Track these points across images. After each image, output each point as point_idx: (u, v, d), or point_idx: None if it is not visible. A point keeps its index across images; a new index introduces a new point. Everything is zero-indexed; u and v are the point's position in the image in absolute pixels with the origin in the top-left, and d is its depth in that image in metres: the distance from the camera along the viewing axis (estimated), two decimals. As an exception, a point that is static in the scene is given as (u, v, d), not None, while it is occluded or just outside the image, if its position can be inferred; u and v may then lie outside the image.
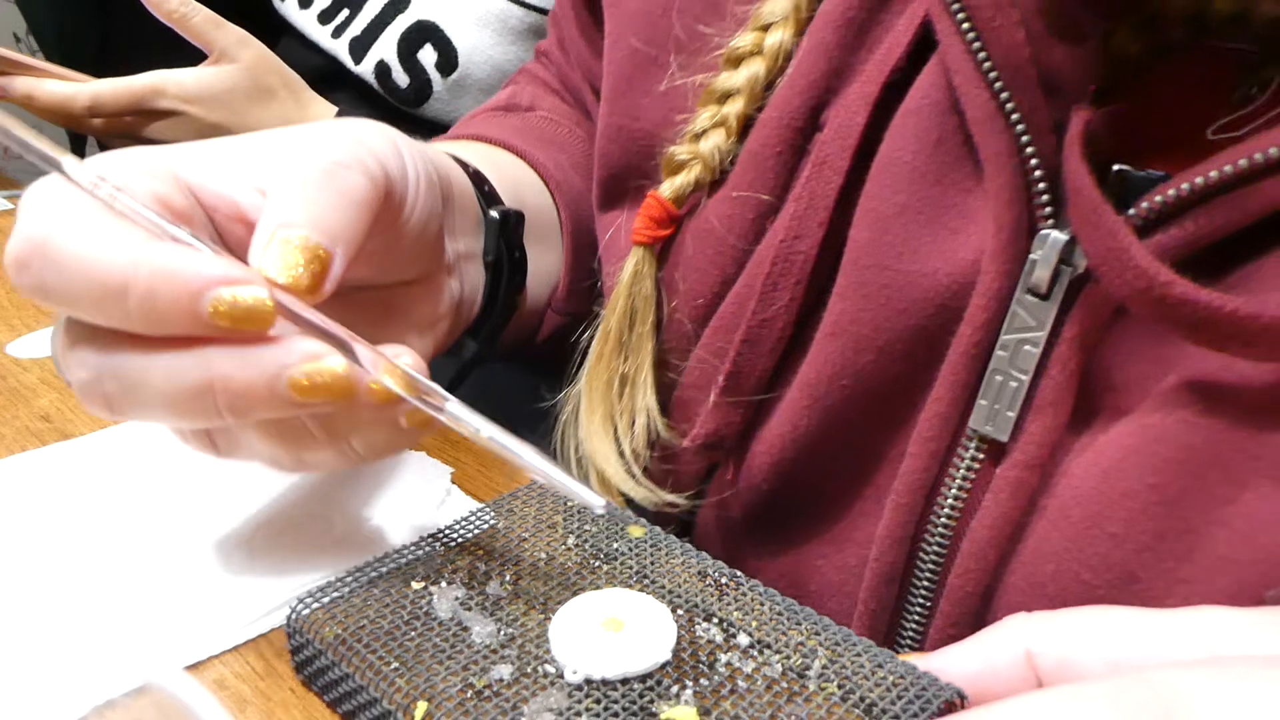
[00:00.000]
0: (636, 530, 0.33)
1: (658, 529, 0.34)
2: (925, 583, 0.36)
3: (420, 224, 0.36)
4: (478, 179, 0.45)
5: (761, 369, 0.39)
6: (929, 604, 0.36)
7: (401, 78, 0.84)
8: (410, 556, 0.33)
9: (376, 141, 0.34)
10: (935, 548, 0.36)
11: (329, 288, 0.30)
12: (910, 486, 0.35)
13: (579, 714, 0.26)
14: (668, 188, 0.42)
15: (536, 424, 0.46)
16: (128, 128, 0.79)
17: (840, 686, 0.27)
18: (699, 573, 0.32)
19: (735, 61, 0.41)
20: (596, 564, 0.32)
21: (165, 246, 0.27)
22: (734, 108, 0.41)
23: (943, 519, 0.35)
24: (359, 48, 0.85)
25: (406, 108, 0.85)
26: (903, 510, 0.36)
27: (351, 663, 0.28)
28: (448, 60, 0.83)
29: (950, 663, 0.26)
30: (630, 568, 0.32)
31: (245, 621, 0.33)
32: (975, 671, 0.26)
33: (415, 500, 0.40)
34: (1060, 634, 0.25)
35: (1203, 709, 0.19)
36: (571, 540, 0.33)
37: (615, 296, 0.44)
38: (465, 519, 0.35)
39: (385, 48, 0.84)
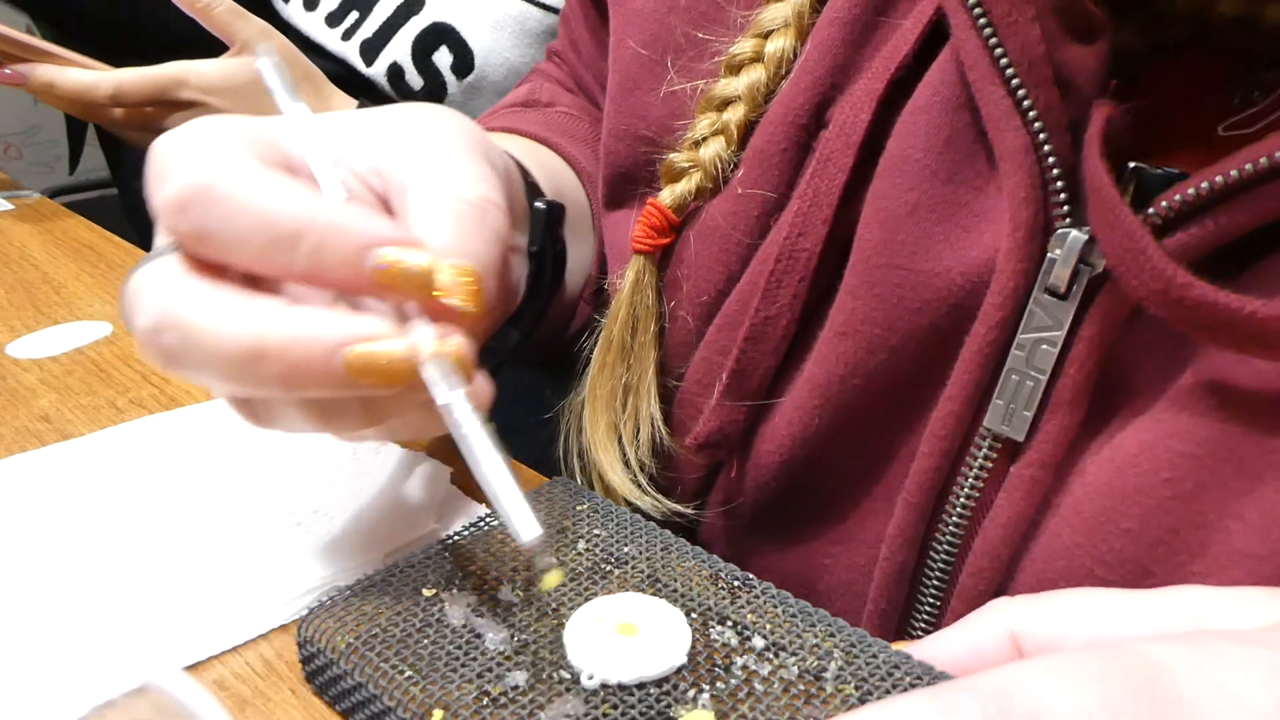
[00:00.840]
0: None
1: (668, 532, 0.34)
2: (936, 582, 0.36)
3: None
4: (523, 171, 0.45)
5: (765, 367, 0.39)
6: (939, 603, 0.36)
7: (415, 80, 0.84)
8: (420, 563, 0.32)
9: (497, 159, 0.35)
10: (946, 546, 0.36)
11: (481, 309, 0.30)
12: (922, 486, 0.35)
13: (596, 719, 0.26)
14: (668, 195, 0.42)
15: (540, 431, 0.46)
16: (148, 119, 0.79)
17: (857, 688, 0.27)
18: (711, 576, 0.31)
19: (735, 68, 0.41)
20: (608, 568, 0.32)
21: (337, 201, 0.29)
22: (734, 115, 0.41)
23: (955, 518, 0.35)
24: (370, 50, 0.86)
25: (420, 109, 0.85)
26: (914, 509, 0.35)
27: (364, 671, 0.28)
28: (464, 62, 0.83)
29: (939, 649, 0.26)
30: (641, 572, 0.32)
31: (245, 622, 0.33)
32: (964, 657, 0.26)
33: (415, 500, 0.40)
34: (1044, 615, 0.25)
35: (1187, 678, 0.19)
36: (581, 545, 0.33)
37: (617, 305, 0.44)
38: (474, 525, 0.34)
39: (399, 50, 0.84)
